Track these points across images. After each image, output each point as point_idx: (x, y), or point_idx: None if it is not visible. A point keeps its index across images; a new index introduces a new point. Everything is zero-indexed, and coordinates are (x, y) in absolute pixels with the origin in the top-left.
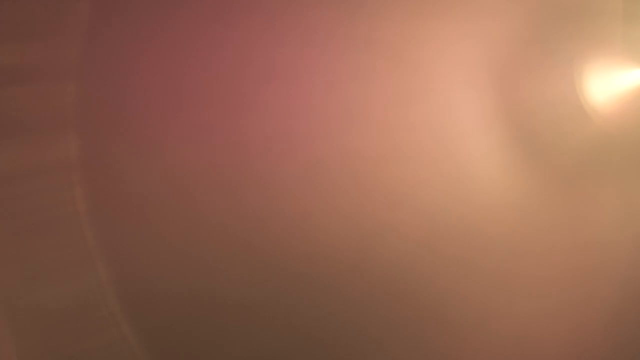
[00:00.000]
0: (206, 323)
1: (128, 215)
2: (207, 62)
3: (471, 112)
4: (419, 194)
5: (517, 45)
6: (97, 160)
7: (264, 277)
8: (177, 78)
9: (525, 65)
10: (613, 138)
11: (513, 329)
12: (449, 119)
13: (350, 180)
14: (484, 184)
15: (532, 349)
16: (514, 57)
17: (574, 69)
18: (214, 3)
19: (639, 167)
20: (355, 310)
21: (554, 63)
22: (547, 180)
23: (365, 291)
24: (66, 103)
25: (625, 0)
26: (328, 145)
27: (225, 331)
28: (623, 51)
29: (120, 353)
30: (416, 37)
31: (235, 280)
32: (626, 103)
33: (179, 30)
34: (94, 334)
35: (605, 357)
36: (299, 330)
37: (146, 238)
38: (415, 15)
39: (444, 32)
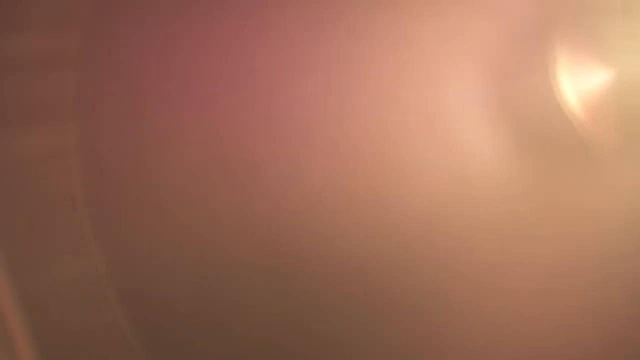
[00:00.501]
0: (200, 309)
1: (125, 202)
2: (210, 56)
3: (468, 101)
4: (423, 175)
5: (511, 40)
6: (97, 150)
7: (262, 261)
8: (179, 73)
9: (516, 58)
10: (593, 127)
11: (505, 302)
12: (449, 108)
13: (357, 163)
14: (479, 165)
15: (525, 323)
16: (507, 51)
17: (559, 64)
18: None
19: (617, 152)
20: (359, 285)
21: (542, 58)
22: (535, 163)
23: (366, 267)
24: (67, 94)
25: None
26: (327, 133)
27: (219, 316)
28: (608, 48)
29: (114, 336)
30: (421, 33)
31: (231, 265)
32: (603, 98)
33: (182, 27)
34: (88, 317)
35: (592, 330)
36: (297, 306)
37: (143, 224)
38: (419, 14)
39: (445, 29)
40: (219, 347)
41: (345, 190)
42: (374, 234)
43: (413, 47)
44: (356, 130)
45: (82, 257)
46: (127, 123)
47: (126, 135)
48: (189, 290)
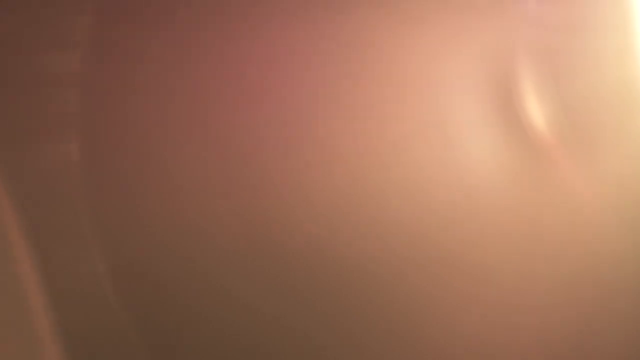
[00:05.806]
0: (199, 305)
1: (127, 200)
2: (210, 55)
3: (471, 108)
4: (423, 179)
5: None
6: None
7: (261, 259)
8: (180, 73)
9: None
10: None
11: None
12: (450, 110)
13: (356, 165)
14: (479, 166)
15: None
16: (506, 54)
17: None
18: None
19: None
20: (354, 287)
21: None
22: (533, 164)
23: (362, 268)
24: (70, 109)
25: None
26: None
27: (217, 312)
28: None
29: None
30: (424, 35)
31: (229, 261)
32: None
33: (182, 30)
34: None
35: (589, 303)
36: (294, 306)
37: (143, 220)
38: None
39: (448, 32)
40: (216, 342)
41: (343, 191)
42: (370, 234)
43: (415, 49)
44: (356, 132)
45: (84, 251)
46: (129, 124)
47: (129, 134)
48: (187, 287)
